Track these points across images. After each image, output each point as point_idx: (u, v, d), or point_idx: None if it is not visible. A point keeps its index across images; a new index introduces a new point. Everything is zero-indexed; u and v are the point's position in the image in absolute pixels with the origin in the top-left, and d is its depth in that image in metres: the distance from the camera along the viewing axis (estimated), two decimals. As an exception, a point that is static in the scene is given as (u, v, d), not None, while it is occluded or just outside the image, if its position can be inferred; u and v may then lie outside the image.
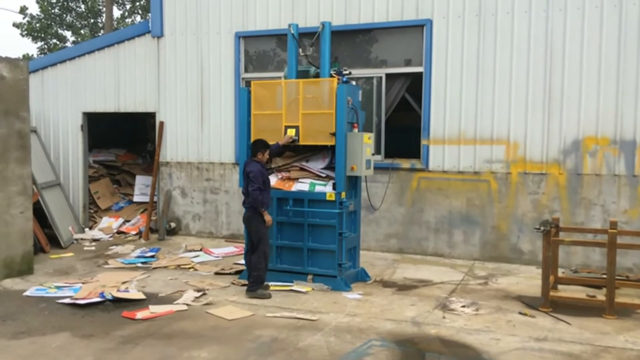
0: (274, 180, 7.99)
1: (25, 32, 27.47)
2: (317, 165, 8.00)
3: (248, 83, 10.74)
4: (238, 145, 9.92)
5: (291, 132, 7.78)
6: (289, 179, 8.05)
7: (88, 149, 12.28)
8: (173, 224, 11.37)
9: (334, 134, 7.57)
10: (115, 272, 8.67)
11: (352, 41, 10.11)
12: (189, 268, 8.91)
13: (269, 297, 7.25)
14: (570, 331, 6.13)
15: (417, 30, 9.66)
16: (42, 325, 6.30)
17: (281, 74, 9.52)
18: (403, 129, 10.77)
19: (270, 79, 10.59)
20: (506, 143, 9.19)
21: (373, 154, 8.10)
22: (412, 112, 10.22)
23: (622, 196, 8.64)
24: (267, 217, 7.36)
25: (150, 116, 11.87)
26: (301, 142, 7.83)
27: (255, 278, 7.34)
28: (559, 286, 7.42)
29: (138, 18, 28.90)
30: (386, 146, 10.04)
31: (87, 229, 11.73)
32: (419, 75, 9.71)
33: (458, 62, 9.38)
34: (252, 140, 7.76)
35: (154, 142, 11.83)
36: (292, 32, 8.02)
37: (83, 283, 7.90)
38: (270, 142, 7.55)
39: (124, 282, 7.91)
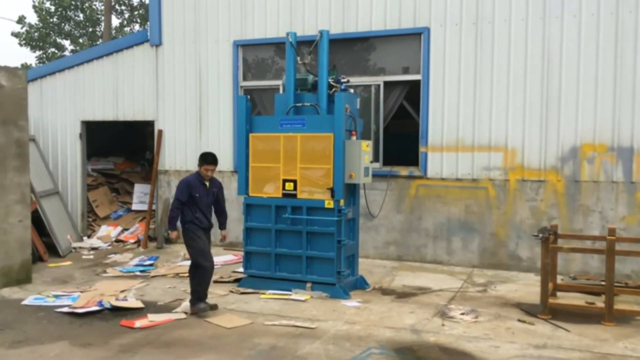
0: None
1: (24, 42, 27.55)
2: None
3: (247, 91, 10.79)
4: (236, 153, 9.93)
5: (289, 186, 7.80)
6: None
7: (86, 157, 12.29)
8: (171, 232, 11.35)
9: (331, 189, 7.59)
10: (114, 280, 8.65)
11: (350, 49, 10.15)
12: (188, 276, 8.87)
13: (206, 309, 6.88)
14: (569, 338, 6.13)
15: (414, 38, 9.70)
16: (40, 334, 6.28)
17: (279, 82, 9.56)
18: (401, 137, 10.78)
19: (269, 87, 10.66)
20: (504, 150, 9.22)
21: (371, 162, 8.12)
22: (410, 120, 10.25)
23: (620, 203, 8.65)
24: (172, 234, 7.32)
25: (149, 124, 11.88)
26: (298, 197, 7.81)
27: (191, 293, 7.07)
28: (558, 293, 7.41)
29: (137, 27, 29.00)
30: (384, 154, 10.06)
31: (85, 238, 11.73)
32: (416, 83, 9.75)
33: (456, 70, 9.42)
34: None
35: (153, 151, 11.83)
36: (290, 40, 8.05)
37: (81, 292, 7.88)
38: (270, 192, 7.51)
39: (122, 291, 7.89)
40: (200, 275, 7.01)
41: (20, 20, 27.35)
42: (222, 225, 7.49)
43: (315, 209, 7.71)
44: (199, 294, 6.99)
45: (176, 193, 7.16)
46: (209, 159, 7.12)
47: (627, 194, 8.62)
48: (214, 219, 7.40)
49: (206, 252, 7.10)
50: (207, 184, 7.18)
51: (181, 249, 10.79)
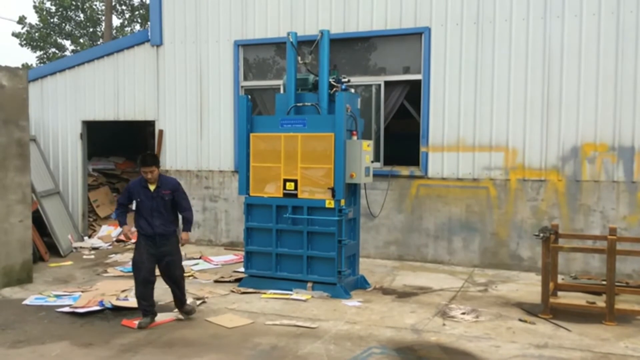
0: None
1: (25, 42, 27.58)
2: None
3: (247, 91, 10.79)
4: (237, 153, 9.93)
5: (290, 186, 7.79)
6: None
7: (87, 157, 12.29)
8: (172, 232, 11.34)
9: (332, 189, 7.59)
10: (115, 280, 8.65)
11: (351, 49, 10.15)
12: (189, 276, 8.85)
13: (146, 324, 6.49)
14: (570, 338, 6.13)
15: (415, 38, 9.69)
16: (41, 334, 6.29)
17: (280, 82, 9.54)
18: (402, 136, 10.79)
19: (270, 86, 10.66)
20: (505, 150, 9.21)
21: (372, 162, 8.11)
22: (411, 120, 10.24)
23: (621, 202, 8.65)
24: (124, 230, 6.76)
25: (150, 124, 11.89)
26: (299, 197, 7.80)
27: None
28: (559, 293, 7.41)
29: (137, 27, 29.01)
30: (385, 153, 10.06)
31: (86, 238, 11.73)
32: (417, 83, 9.74)
33: (456, 70, 9.42)
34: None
35: (154, 150, 11.84)
36: (291, 40, 8.05)
37: (82, 292, 7.89)
38: (271, 192, 7.40)
39: (123, 291, 7.88)
40: (137, 287, 6.64)
41: (21, 20, 27.39)
42: (184, 227, 6.97)
43: (316, 208, 7.71)
44: (139, 305, 6.60)
45: (119, 197, 7.00)
46: (146, 160, 6.56)
47: (628, 194, 8.62)
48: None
49: (138, 263, 6.56)
50: (152, 187, 6.62)
51: (182, 249, 10.77)
